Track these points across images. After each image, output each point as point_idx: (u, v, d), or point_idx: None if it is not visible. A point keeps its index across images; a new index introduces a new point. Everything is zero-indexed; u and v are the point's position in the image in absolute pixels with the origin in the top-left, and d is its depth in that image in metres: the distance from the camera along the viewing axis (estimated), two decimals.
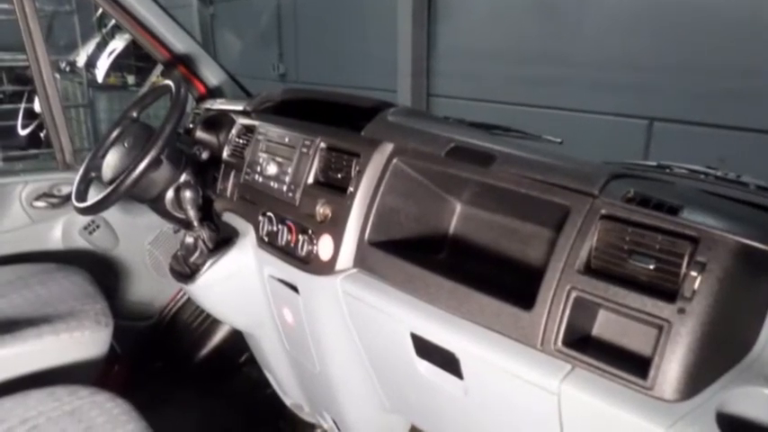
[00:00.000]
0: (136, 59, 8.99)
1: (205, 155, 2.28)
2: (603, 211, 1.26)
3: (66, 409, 1.84)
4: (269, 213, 1.98)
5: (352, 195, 1.71)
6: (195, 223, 2.14)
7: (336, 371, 1.97)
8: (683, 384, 1.11)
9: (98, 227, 3.03)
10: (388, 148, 1.71)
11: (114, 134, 2.23)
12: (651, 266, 1.19)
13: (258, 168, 2.05)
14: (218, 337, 3.23)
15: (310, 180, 1.87)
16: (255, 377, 2.89)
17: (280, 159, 1.98)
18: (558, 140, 2.04)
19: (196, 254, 2.18)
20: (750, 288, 1.17)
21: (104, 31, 9.12)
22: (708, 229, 1.13)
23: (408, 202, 1.69)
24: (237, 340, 2.79)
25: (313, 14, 8.06)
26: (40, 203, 2.91)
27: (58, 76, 6.53)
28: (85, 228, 3.01)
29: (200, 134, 2.40)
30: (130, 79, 9.30)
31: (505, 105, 5.43)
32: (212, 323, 3.21)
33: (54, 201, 2.93)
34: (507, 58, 5.49)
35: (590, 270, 1.25)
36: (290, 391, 2.48)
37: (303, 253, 1.82)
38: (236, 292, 2.19)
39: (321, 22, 7.88)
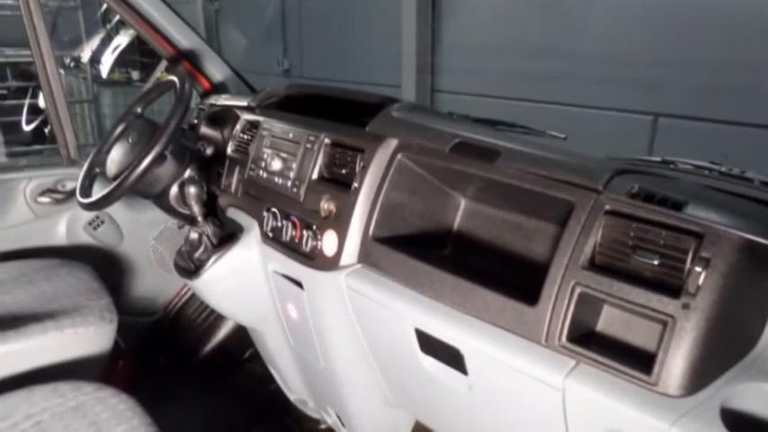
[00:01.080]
0: (140, 55, 8.99)
1: (209, 150, 2.28)
2: (608, 207, 1.26)
3: (70, 405, 1.84)
4: (273, 209, 1.98)
5: (357, 191, 1.71)
6: (199, 219, 2.15)
7: (341, 366, 1.97)
8: (687, 380, 1.11)
9: (102, 222, 3.03)
10: (393, 143, 1.71)
11: (118, 130, 2.23)
12: (655, 262, 1.19)
13: (262, 164, 2.05)
14: (223, 332, 3.23)
15: (315, 176, 1.87)
16: (260, 373, 2.89)
17: (284, 155, 1.98)
18: (563, 136, 2.04)
19: (200, 249, 2.18)
20: (754, 284, 1.17)
21: (109, 26, 9.10)
22: (712, 224, 1.13)
23: (413, 197, 1.69)
24: (242, 336, 2.79)
25: (317, 10, 8.05)
26: (44, 199, 2.91)
27: (62, 71, 6.53)
28: (90, 223, 3.01)
29: (204, 130, 2.40)
30: (135, 75, 9.29)
31: (510, 101, 5.43)
32: (216, 319, 3.22)
33: (58, 196, 2.93)
34: (511, 54, 5.49)
35: (594, 266, 1.25)
36: (294, 387, 2.48)
37: (307, 249, 1.82)
38: (240, 288, 2.19)
39: (325, 17, 7.87)
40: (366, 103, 1.96)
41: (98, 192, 2.07)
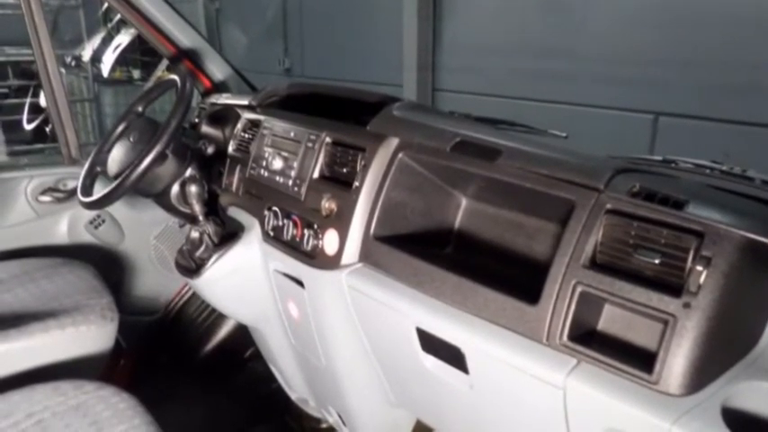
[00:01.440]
0: (141, 54, 8.99)
1: (210, 149, 2.28)
2: (609, 206, 1.26)
3: (71, 404, 1.85)
4: (274, 208, 1.98)
5: (358, 190, 1.71)
6: (200, 218, 2.15)
7: (342, 365, 1.97)
8: (688, 379, 1.11)
9: (103, 221, 3.03)
10: (394, 142, 1.71)
11: (120, 129, 2.23)
12: (656, 261, 1.19)
13: (263, 163, 2.05)
14: (224, 331, 3.23)
15: (316, 174, 1.87)
16: (261, 372, 2.89)
17: (285, 154, 1.98)
18: (564, 135, 2.04)
19: (201, 248, 2.18)
20: (755, 282, 1.17)
21: (110, 25, 9.11)
22: (713, 223, 1.13)
23: (414, 196, 1.69)
24: (243, 335, 2.79)
25: (318, 9, 8.05)
26: (45, 198, 2.91)
27: (63, 70, 6.53)
28: (91, 222, 3.01)
29: (205, 129, 2.40)
30: (136, 74, 9.29)
31: (511, 100, 5.43)
32: (218, 318, 3.22)
33: (59, 195, 2.93)
34: (513, 53, 5.49)
35: (595, 265, 1.25)
36: (295, 386, 2.48)
37: (308, 247, 1.82)
38: (241, 287, 2.19)
39: (326, 16, 7.87)
40: (367, 102, 1.96)
41: (99, 191, 2.07)
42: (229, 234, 2.17)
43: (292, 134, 2.00)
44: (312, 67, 8.42)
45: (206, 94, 2.91)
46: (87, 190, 2.16)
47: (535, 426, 1.38)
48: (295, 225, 1.89)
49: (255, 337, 2.56)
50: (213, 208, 2.28)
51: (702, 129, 4.21)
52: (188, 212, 2.19)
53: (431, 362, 1.57)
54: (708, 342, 1.10)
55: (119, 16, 8.07)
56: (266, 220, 2.01)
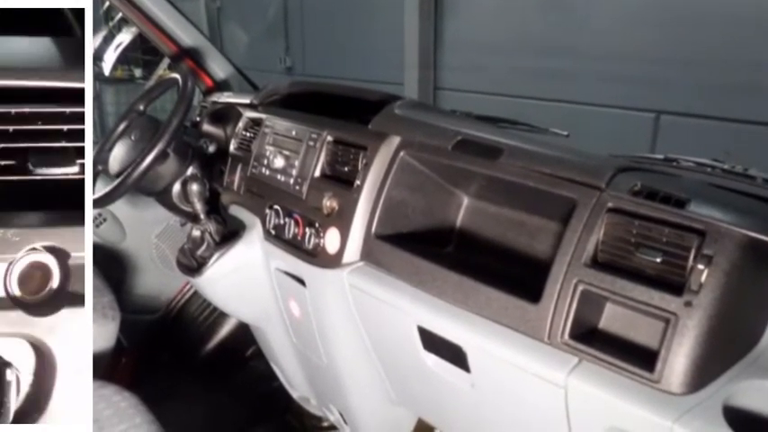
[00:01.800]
0: (143, 53, 8.96)
1: (212, 148, 2.28)
2: (610, 205, 1.26)
3: None
4: (276, 206, 1.98)
5: (359, 188, 1.71)
6: (202, 216, 2.14)
7: (343, 364, 1.97)
8: (689, 377, 1.11)
9: (105, 220, 3.03)
10: (395, 141, 1.71)
11: (121, 127, 2.23)
12: (658, 260, 1.19)
13: (265, 161, 2.05)
14: (225, 330, 3.23)
15: (317, 173, 1.87)
16: (262, 370, 2.89)
17: (287, 152, 1.98)
18: (565, 133, 2.03)
19: (203, 247, 2.18)
20: (757, 281, 1.17)
21: (111, 24, 9.10)
22: (714, 222, 1.13)
23: (415, 195, 1.69)
24: (244, 333, 2.79)
25: (320, 7, 8.05)
26: None
27: None
28: (92, 221, 3.01)
29: (207, 127, 2.41)
30: (137, 72, 9.28)
31: (512, 98, 5.42)
32: (219, 316, 3.21)
33: None
34: (514, 51, 5.49)
35: (597, 263, 1.25)
36: (296, 385, 2.48)
37: (310, 246, 1.82)
38: (242, 286, 2.19)
39: (328, 14, 7.87)
40: (368, 101, 1.96)
41: (100, 189, 2.07)
42: (231, 233, 2.17)
43: (294, 133, 2.00)
44: (313, 66, 8.41)
45: (207, 92, 2.90)
46: None
47: (536, 424, 1.39)
48: (296, 223, 1.89)
49: (257, 335, 2.56)
50: (215, 206, 2.28)
51: (704, 127, 4.21)
52: (189, 211, 2.18)
53: (432, 360, 1.57)
54: (709, 341, 1.10)
55: (120, 15, 8.08)
56: (268, 218, 2.01)
